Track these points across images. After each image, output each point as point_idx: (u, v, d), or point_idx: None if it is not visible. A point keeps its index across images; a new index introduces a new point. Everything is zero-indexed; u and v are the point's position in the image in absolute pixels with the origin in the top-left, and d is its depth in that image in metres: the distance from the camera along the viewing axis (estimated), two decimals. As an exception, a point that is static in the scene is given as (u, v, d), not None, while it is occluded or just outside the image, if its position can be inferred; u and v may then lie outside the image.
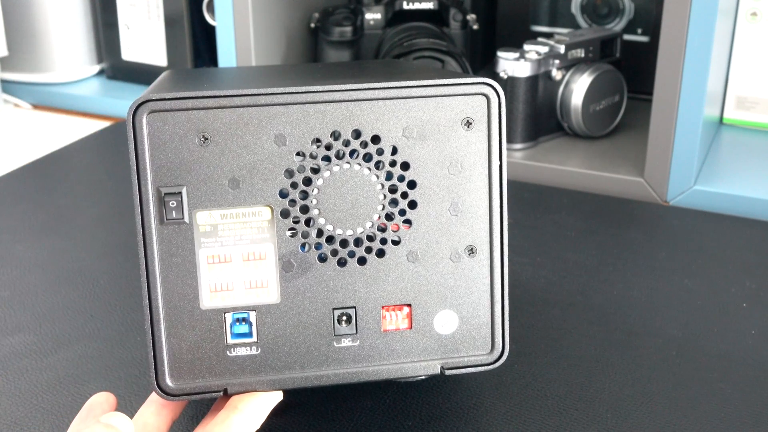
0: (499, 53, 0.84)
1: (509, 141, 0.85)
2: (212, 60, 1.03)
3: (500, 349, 0.45)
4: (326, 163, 0.42)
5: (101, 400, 0.43)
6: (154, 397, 0.43)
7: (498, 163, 0.44)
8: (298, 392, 0.44)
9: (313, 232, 0.42)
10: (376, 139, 0.42)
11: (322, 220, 0.42)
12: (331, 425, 0.48)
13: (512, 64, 0.83)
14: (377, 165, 0.43)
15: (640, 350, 0.55)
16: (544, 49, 0.84)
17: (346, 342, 0.43)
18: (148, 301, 0.42)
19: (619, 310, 0.60)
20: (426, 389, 0.51)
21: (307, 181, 0.42)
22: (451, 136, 0.43)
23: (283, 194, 0.42)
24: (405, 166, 0.43)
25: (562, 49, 0.85)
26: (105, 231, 0.72)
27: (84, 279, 0.64)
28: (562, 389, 0.52)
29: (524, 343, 0.56)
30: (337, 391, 0.51)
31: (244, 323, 0.42)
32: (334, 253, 0.43)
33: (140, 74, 1.05)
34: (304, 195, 0.42)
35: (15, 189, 0.80)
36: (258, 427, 0.42)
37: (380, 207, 0.43)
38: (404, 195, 0.43)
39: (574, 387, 0.52)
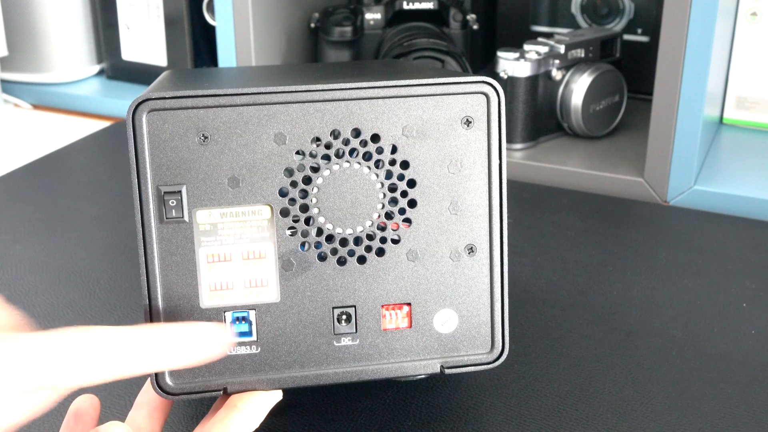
0: (499, 53, 0.84)
1: (509, 141, 0.85)
2: (212, 60, 1.03)
3: (500, 348, 0.45)
4: (326, 161, 0.42)
5: (86, 405, 0.42)
6: (142, 400, 0.43)
7: (498, 162, 0.44)
8: (298, 391, 0.44)
9: (313, 231, 0.42)
10: (375, 138, 0.42)
11: (321, 219, 0.42)
12: (331, 425, 0.48)
13: (512, 64, 0.83)
14: (377, 164, 0.43)
15: (640, 350, 0.55)
16: (544, 49, 0.84)
17: (345, 341, 0.43)
18: (147, 300, 0.42)
19: (619, 310, 0.60)
20: (426, 389, 0.51)
21: (307, 180, 0.42)
22: (450, 134, 0.43)
23: (283, 193, 0.42)
24: (404, 164, 0.43)
25: (562, 49, 0.85)
26: (105, 231, 0.72)
27: (84, 279, 0.64)
28: (562, 389, 0.52)
29: (524, 343, 0.56)
30: (336, 391, 0.51)
31: (243, 322, 0.42)
32: (334, 251, 0.43)
33: (140, 74, 1.05)
34: (304, 194, 0.42)
35: (15, 189, 0.80)
36: (257, 425, 0.42)
37: (380, 206, 0.43)
38: (404, 194, 0.43)
39: (574, 387, 0.52)
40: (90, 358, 0.34)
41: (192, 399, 0.43)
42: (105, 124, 0.99)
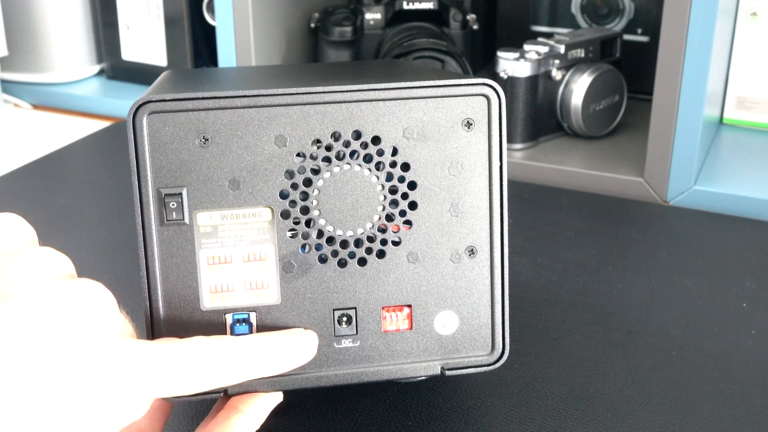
0: (499, 53, 0.84)
1: (509, 141, 0.85)
2: (212, 60, 1.03)
3: (500, 350, 0.45)
4: (326, 164, 0.42)
5: None
6: None
7: (498, 163, 0.44)
8: (298, 392, 0.44)
9: (314, 233, 0.42)
10: (376, 140, 0.42)
11: (322, 221, 0.42)
12: (331, 425, 0.49)
13: (512, 64, 0.83)
14: (377, 166, 0.43)
15: (640, 350, 0.55)
16: (544, 49, 0.84)
17: (346, 343, 0.43)
18: (148, 303, 0.42)
19: (619, 310, 0.60)
20: (426, 389, 0.51)
21: (308, 182, 0.42)
22: (451, 136, 0.43)
23: (284, 195, 0.42)
24: (405, 167, 0.43)
25: (562, 49, 0.85)
26: (105, 231, 0.72)
27: (84, 279, 0.64)
28: (562, 389, 0.52)
29: (524, 343, 0.56)
30: (336, 392, 0.51)
31: (244, 324, 0.42)
32: (335, 254, 0.43)
33: (140, 74, 1.05)
34: (305, 196, 0.42)
35: (15, 189, 0.80)
36: (258, 427, 0.42)
37: (380, 208, 0.43)
38: (404, 196, 0.43)
39: (574, 387, 0.52)
40: (205, 369, 0.36)
41: (193, 401, 0.43)
42: (105, 124, 0.99)
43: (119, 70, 1.07)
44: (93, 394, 0.33)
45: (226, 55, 0.88)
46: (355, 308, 0.43)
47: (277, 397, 0.43)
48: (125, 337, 0.36)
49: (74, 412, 0.32)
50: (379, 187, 0.43)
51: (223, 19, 0.86)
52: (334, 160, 0.42)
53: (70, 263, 0.38)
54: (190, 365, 0.36)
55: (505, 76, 0.84)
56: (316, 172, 0.42)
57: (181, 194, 0.41)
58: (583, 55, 0.86)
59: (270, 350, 0.39)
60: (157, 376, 0.35)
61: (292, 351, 0.40)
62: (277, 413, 0.44)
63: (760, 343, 0.56)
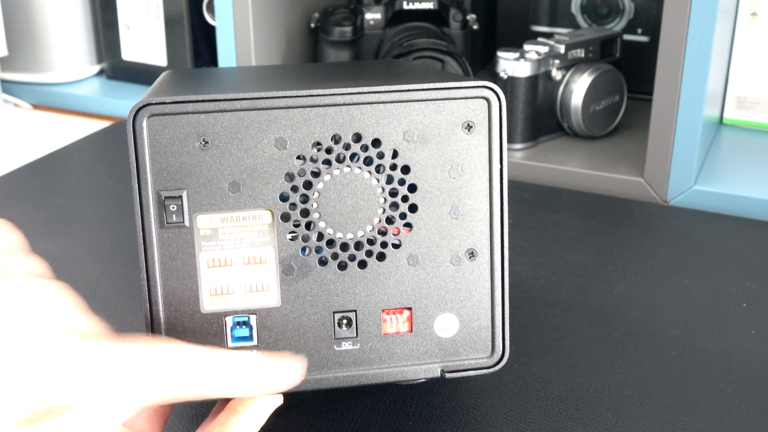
0: (499, 53, 0.84)
1: (509, 141, 0.85)
2: (212, 60, 1.03)
3: (500, 352, 0.45)
4: (327, 166, 0.42)
5: None
6: None
7: (499, 166, 0.44)
8: (298, 393, 0.44)
9: (314, 236, 0.43)
10: (376, 143, 0.43)
11: (322, 224, 0.42)
12: (331, 425, 0.49)
13: (512, 64, 0.83)
14: (378, 168, 0.43)
15: (640, 350, 0.55)
16: (544, 49, 0.84)
17: (346, 345, 0.43)
18: (148, 305, 0.42)
19: (619, 310, 0.60)
20: (426, 390, 0.51)
21: (308, 185, 0.42)
22: (451, 139, 0.43)
23: (284, 198, 0.42)
24: (405, 169, 0.43)
25: (562, 49, 0.85)
26: (105, 232, 0.72)
27: (84, 280, 0.64)
28: (562, 389, 0.52)
29: (524, 343, 0.56)
30: (336, 392, 0.51)
31: (244, 327, 0.42)
32: (335, 256, 0.43)
33: (140, 74, 1.05)
34: (305, 199, 0.42)
35: (15, 189, 0.81)
36: (258, 429, 0.42)
37: (381, 210, 0.43)
38: (405, 198, 0.43)
39: (574, 387, 0.52)
40: (181, 376, 0.35)
41: (192, 402, 0.43)
42: (105, 124, 0.99)
43: (119, 70, 1.07)
44: (40, 384, 0.32)
45: (226, 55, 0.88)
46: (355, 311, 0.43)
47: (277, 400, 0.43)
48: (83, 336, 0.35)
49: (20, 401, 0.32)
50: (380, 190, 0.43)
51: (223, 19, 0.86)
52: (334, 162, 0.42)
53: (45, 267, 0.38)
54: (149, 371, 0.34)
55: (505, 76, 0.84)
56: (316, 174, 0.42)
57: (181, 197, 0.41)
58: (583, 55, 0.86)
59: (244, 369, 0.37)
60: (109, 377, 0.33)
61: (266, 375, 0.38)
62: (277, 413, 0.44)
63: (760, 343, 0.56)
